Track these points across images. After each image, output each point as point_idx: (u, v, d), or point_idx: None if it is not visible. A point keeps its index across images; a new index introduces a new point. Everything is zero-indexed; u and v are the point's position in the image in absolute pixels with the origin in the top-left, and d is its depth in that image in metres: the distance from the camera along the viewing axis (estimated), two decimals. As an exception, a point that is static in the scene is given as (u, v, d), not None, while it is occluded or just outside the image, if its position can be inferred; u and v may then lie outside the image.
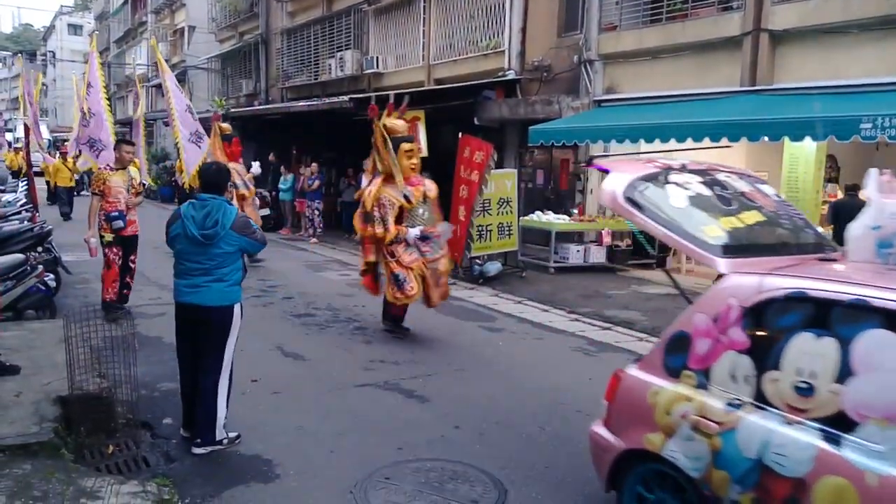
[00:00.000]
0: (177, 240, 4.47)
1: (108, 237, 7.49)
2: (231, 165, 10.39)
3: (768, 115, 9.15)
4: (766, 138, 9.32)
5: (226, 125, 11.92)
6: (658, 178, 3.49)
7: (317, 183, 15.67)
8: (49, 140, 28.50)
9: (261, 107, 20.81)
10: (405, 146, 7.08)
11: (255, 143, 18.56)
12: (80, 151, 9.31)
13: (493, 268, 10.95)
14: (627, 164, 3.83)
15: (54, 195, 20.01)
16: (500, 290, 10.18)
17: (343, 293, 9.77)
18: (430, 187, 7.39)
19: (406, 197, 7.02)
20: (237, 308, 4.53)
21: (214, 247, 4.38)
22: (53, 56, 57.50)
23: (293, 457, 4.38)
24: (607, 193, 3.35)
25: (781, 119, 8.94)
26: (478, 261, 10.88)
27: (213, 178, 4.59)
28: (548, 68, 13.00)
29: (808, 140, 9.19)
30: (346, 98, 14.58)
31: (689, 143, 9.87)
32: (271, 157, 17.65)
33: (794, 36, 9.70)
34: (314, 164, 15.91)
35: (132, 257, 7.81)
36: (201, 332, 4.48)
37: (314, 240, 15.49)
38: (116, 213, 7.45)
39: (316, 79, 19.78)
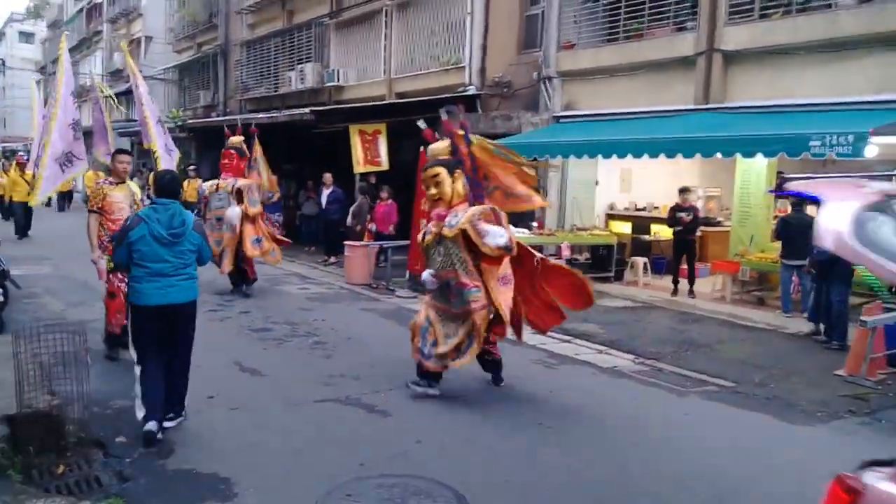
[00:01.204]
0: (140, 242, 4.69)
1: (111, 262, 6.22)
2: (243, 182, 10.22)
3: (721, 133, 9.38)
4: (719, 154, 9.55)
5: (237, 139, 10.70)
6: (886, 206, 2.54)
7: (277, 195, 15.48)
8: (-1, 150, 27.56)
9: (219, 118, 20.56)
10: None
11: (212, 154, 18.32)
12: (35, 170, 8.73)
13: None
14: (832, 188, 2.88)
15: (9, 211, 18.28)
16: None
17: (302, 307, 9.67)
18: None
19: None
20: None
21: (180, 245, 4.76)
22: (3, 64, 56.03)
23: (252, 474, 4.28)
24: (830, 234, 2.40)
25: (734, 136, 9.17)
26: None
27: (170, 186, 5.02)
28: (508, 84, 13.13)
29: (759, 156, 9.44)
30: (307, 110, 14.51)
31: (646, 158, 10.06)
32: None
33: (746, 56, 9.98)
34: (273, 177, 15.73)
35: None
36: (175, 329, 4.86)
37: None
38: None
39: (276, 91, 19.65)
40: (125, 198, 6.64)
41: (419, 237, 6.02)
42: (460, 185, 5.80)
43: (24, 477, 4.11)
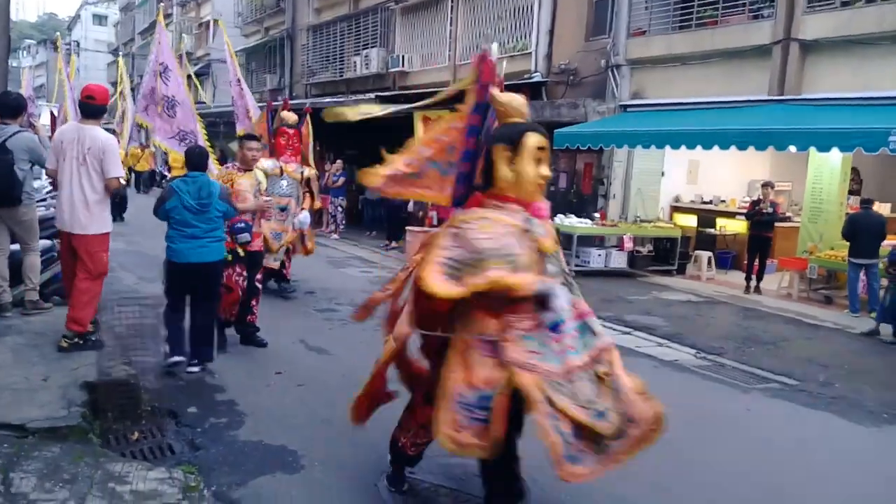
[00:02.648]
0: (175, 211, 5.39)
1: (230, 254, 6.10)
2: (312, 172, 8.79)
3: (796, 125, 9.11)
4: (792, 148, 9.27)
5: (290, 114, 8.87)
6: None
7: (341, 180, 15.75)
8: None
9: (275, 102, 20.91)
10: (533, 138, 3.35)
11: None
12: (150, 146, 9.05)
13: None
14: None
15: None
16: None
17: (364, 289, 9.80)
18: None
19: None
20: None
21: (208, 213, 5.42)
22: (78, 46, 58.10)
23: (318, 448, 4.41)
24: None
25: (809, 129, 8.90)
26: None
27: (198, 160, 5.59)
28: (574, 72, 12.99)
29: (834, 151, 9.13)
30: (371, 95, 14.65)
31: (716, 150, 9.84)
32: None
33: (825, 46, 9.64)
34: (339, 161, 15.99)
35: (258, 276, 6.69)
36: (202, 284, 5.54)
37: (336, 236, 15.55)
38: (243, 224, 6.18)
39: (341, 76, 19.87)
40: (250, 186, 6.38)
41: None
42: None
43: (103, 441, 4.32)
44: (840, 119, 8.83)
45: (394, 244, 13.93)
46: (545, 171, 3.33)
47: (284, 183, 8.38)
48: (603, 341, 3.37)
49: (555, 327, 3.21)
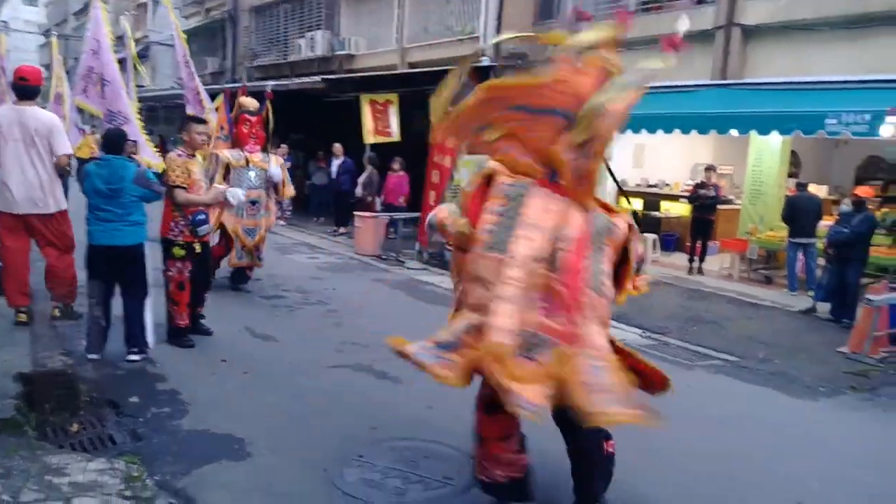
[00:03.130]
0: (88, 194, 5.30)
1: (184, 248, 5.83)
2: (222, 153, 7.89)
3: (737, 109, 9.30)
4: (734, 131, 9.48)
5: (250, 100, 8.34)
6: None
7: (287, 165, 15.45)
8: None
9: (227, 85, 20.45)
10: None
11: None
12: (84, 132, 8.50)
13: (464, 254, 10.92)
14: None
15: None
16: (469, 276, 10.17)
17: (313, 276, 9.69)
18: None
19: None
20: (146, 245, 5.49)
21: (121, 197, 5.25)
22: (6, 26, 55.63)
23: (265, 435, 4.32)
24: None
25: (750, 113, 9.10)
26: (448, 246, 10.86)
27: (112, 142, 5.45)
28: (523, 56, 12.99)
29: (774, 134, 9.36)
30: (317, 78, 14.40)
31: (660, 134, 9.99)
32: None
33: (766, 31, 9.86)
34: (283, 146, 15.69)
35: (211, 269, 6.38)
36: (121, 268, 5.39)
37: (282, 222, 15.30)
38: (203, 216, 5.85)
39: (285, 59, 19.52)
40: (200, 171, 6.01)
41: None
42: None
43: (39, 433, 4.15)
44: (780, 103, 9.04)
45: (342, 230, 13.78)
46: None
47: (252, 174, 7.94)
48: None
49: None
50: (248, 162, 7.90)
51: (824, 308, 8.55)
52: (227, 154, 7.89)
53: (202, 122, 6.36)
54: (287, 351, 6.19)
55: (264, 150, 8.25)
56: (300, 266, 10.50)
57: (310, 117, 17.22)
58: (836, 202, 10.61)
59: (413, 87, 13.17)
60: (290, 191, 8.95)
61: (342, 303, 8.01)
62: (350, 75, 15.69)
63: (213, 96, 14.05)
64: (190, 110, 8.85)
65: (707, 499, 3.94)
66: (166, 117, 22.63)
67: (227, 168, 7.83)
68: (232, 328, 6.61)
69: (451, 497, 3.72)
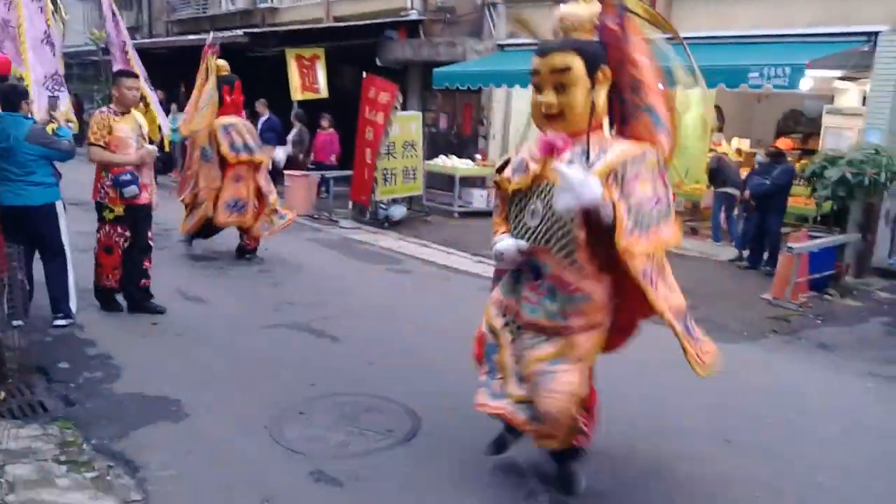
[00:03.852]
0: None
1: (114, 211, 5.54)
2: (232, 121, 7.70)
3: (664, 63, 9.45)
4: (660, 85, 9.65)
5: (223, 62, 8.01)
6: None
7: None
8: None
9: (145, 40, 19.55)
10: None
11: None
12: None
13: (399, 212, 10.93)
14: None
15: None
16: (405, 234, 10.19)
17: (243, 236, 9.48)
18: None
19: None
20: (58, 204, 5.25)
21: (15, 156, 5.00)
22: None
23: (202, 396, 4.27)
24: None
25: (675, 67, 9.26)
26: (383, 205, 10.81)
27: (7, 98, 5.13)
28: (451, 10, 12.86)
29: (698, 88, 9.58)
30: (239, 32, 13.91)
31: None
32: (158, 94, 16.68)
33: (689, -13, 10.02)
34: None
35: (150, 234, 5.89)
36: (32, 230, 5.16)
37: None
38: (129, 176, 5.49)
39: (205, 12, 18.80)
40: (132, 131, 5.58)
41: (495, 174, 3.41)
42: (602, 95, 3.09)
43: (-36, 404, 4.00)
44: (705, 57, 9.19)
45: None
46: (542, 97, 3.08)
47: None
48: (568, 322, 3.11)
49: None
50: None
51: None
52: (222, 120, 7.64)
53: (133, 76, 5.84)
54: (221, 312, 6.09)
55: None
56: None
57: (233, 73, 16.65)
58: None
59: (339, 42, 12.93)
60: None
61: (276, 263, 7.90)
62: (274, 29, 15.21)
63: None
64: (116, 67, 8.22)
65: (641, 432, 4.11)
66: (80, 75, 21.49)
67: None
68: (161, 290, 6.41)
69: (392, 448, 3.77)
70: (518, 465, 3.61)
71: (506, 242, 3.20)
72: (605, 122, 3.05)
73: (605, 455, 3.77)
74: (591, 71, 3.03)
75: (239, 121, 7.82)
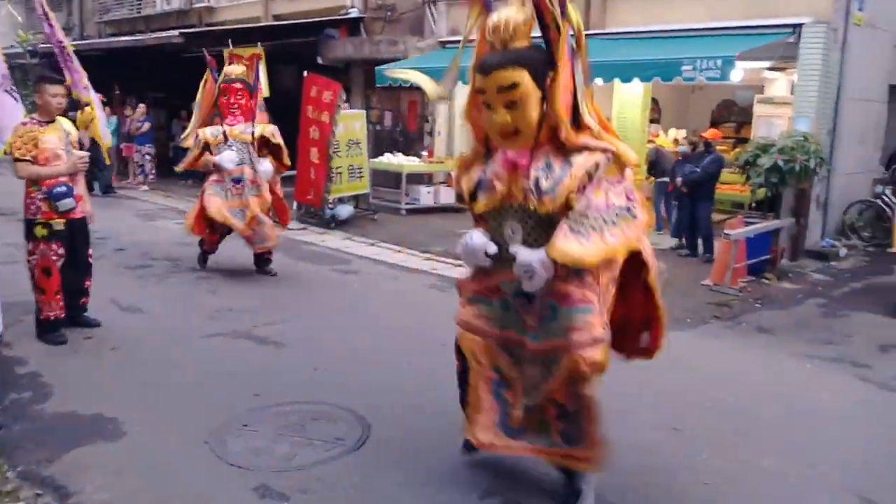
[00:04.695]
0: None
1: (48, 227, 5.09)
2: (270, 127, 7.31)
3: (601, 58, 9.55)
4: (599, 80, 9.74)
5: (233, 66, 7.62)
6: None
7: (146, 126, 14.57)
8: None
9: (77, 42, 18.86)
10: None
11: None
12: None
13: (345, 211, 10.80)
14: None
15: None
16: (352, 234, 10.08)
17: (182, 242, 9.18)
18: None
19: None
20: None
21: None
22: None
23: (140, 412, 4.10)
24: None
25: (613, 62, 9.37)
26: (329, 204, 10.66)
27: None
28: (392, 7, 12.76)
29: (636, 81, 9.71)
30: (175, 32, 13.54)
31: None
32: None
33: (624, -18, 10.15)
34: (142, 106, 14.76)
35: (89, 251, 5.52)
36: None
37: (145, 187, 14.48)
38: (64, 188, 5.06)
39: (139, 13, 18.28)
40: (59, 141, 5.11)
41: (464, 187, 3.25)
42: (560, 102, 2.89)
43: None
44: (640, 52, 9.38)
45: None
46: (495, 116, 2.92)
47: (230, 151, 7.05)
48: (569, 339, 2.95)
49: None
50: (226, 137, 7.07)
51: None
52: (206, 132, 7.14)
53: (57, 81, 5.30)
54: (158, 322, 5.88)
55: (252, 121, 7.30)
56: (168, 232, 9.98)
57: (169, 74, 16.25)
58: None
59: (279, 41, 12.68)
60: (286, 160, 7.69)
61: (216, 268, 7.69)
62: (211, 29, 14.86)
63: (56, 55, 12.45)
64: (68, 76, 7.26)
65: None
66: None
67: (208, 147, 7.09)
68: (96, 302, 6.15)
69: (341, 457, 3.66)
70: (471, 469, 3.55)
71: (479, 237, 3.10)
72: (567, 122, 2.92)
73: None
74: (540, 80, 2.88)
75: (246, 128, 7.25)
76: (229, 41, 7.54)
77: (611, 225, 2.82)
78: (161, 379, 4.64)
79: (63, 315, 5.32)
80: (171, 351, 5.19)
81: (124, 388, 4.48)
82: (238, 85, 7.21)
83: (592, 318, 2.96)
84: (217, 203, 7.05)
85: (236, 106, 7.14)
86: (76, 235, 5.32)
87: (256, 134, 7.18)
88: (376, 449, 3.76)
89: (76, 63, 6.29)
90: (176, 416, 4.10)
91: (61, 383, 4.49)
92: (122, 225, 10.27)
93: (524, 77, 2.83)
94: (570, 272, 2.94)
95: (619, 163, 2.93)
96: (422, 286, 7.32)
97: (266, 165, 7.23)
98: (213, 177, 7.13)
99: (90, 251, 5.54)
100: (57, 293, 5.23)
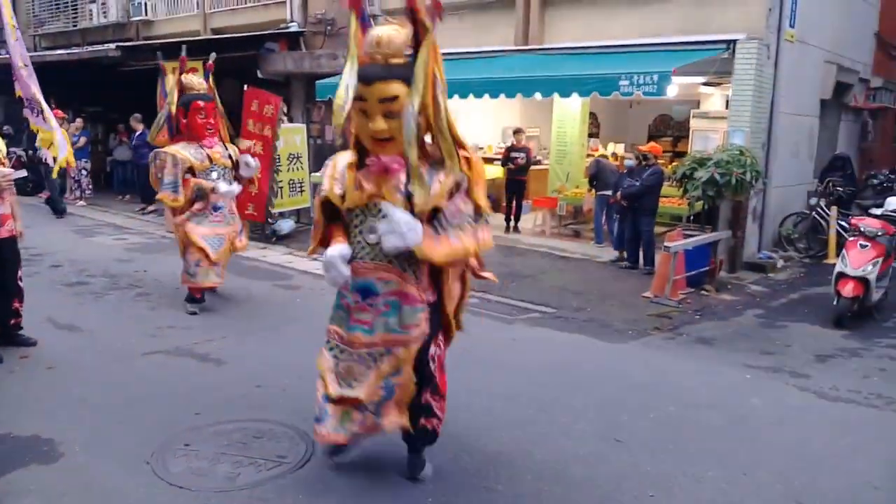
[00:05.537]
0: None
1: None
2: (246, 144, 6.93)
3: (540, 73, 9.77)
4: (538, 95, 9.95)
5: (197, 79, 6.82)
6: None
7: (82, 140, 14.18)
8: None
9: (5, 56, 18.28)
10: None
11: (2, 96, 16.34)
12: None
13: (287, 225, 10.72)
14: None
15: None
16: (294, 249, 10.01)
17: (120, 258, 9.03)
18: None
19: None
20: None
21: None
22: None
23: (78, 433, 4.02)
24: None
25: (552, 76, 9.59)
26: (270, 219, 10.57)
27: None
28: (331, 22, 12.76)
29: (574, 96, 9.95)
30: (112, 46, 13.28)
31: (471, 98, 10.28)
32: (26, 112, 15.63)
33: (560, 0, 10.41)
34: (78, 120, 14.39)
35: (19, 273, 5.36)
36: None
37: (82, 202, 14.10)
38: None
39: (75, 26, 17.85)
40: None
41: (327, 185, 3.53)
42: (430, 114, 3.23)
43: None
44: (578, 67, 9.61)
45: (150, 208, 12.90)
46: (372, 124, 3.22)
47: (214, 175, 6.49)
48: (407, 335, 3.36)
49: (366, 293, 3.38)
50: (211, 160, 6.49)
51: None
52: (185, 154, 6.38)
53: None
54: (96, 341, 5.76)
55: (223, 141, 6.77)
56: (106, 248, 9.75)
57: (106, 88, 15.89)
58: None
59: (219, 54, 12.52)
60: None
61: (154, 285, 7.56)
62: (149, 42, 14.61)
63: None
64: (18, 87, 6.70)
65: (533, 435, 4.19)
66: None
67: (192, 171, 6.43)
68: (32, 320, 5.98)
69: (284, 475, 3.66)
70: (414, 486, 3.59)
71: (332, 248, 3.36)
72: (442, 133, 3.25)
73: (500, 462, 3.84)
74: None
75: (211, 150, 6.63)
76: (183, 48, 7.00)
77: (460, 229, 3.23)
78: (100, 398, 4.55)
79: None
80: (110, 369, 5.10)
81: (62, 408, 4.39)
82: (203, 103, 6.51)
83: (424, 315, 3.38)
84: (202, 232, 6.53)
85: (211, 127, 6.54)
86: (4, 258, 5.15)
87: (234, 158, 6.75)
88: (320, 466, 3.76)
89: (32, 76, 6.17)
90: (116, 436, 4.04)
91: (-6, 405, 4.37)
92: (58, 241, 9.99)
93: (403, 90, 3.15)
94: (414, 273, 3.33)
95: (474, 173, 3.32)
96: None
97: (234, 187, 6.72)
98: (196, 206, 6.51)
99: (20, 274, 5.40)
100: None
